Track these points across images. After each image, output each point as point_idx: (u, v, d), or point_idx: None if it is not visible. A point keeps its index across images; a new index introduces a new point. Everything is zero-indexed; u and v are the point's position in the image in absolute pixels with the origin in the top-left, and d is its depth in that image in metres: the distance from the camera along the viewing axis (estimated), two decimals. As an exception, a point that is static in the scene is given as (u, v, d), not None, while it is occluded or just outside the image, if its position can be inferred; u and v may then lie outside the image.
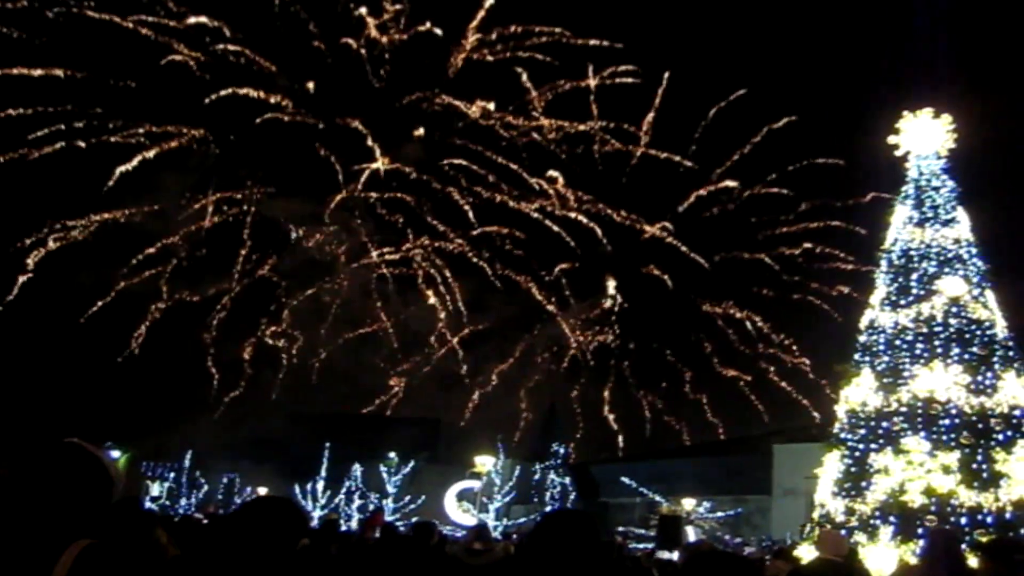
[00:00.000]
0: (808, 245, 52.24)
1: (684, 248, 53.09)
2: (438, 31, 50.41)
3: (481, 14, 50.88)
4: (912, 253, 18.58)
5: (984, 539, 13.08)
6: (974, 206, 19.49)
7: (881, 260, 19.24)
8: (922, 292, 18.04)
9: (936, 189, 19.05)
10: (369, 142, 51.39)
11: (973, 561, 8.71)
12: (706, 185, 52.77)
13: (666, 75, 52.21)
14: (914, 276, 18.31)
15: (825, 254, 52.13)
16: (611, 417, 54.02)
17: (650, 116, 52.53)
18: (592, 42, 51.25)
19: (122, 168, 47.74)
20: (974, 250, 18.47)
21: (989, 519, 15.28)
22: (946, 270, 18.08)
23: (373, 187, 52.36)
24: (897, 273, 18.65)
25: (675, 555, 14.97)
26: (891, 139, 19.58)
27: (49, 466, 2.75)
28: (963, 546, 12.34)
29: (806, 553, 15.70)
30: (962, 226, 18.70)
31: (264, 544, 2.97)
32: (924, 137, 19.43)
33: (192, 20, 47.58)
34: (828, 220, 52.46)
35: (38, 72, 45.37)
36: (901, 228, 19.04)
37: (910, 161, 19.57)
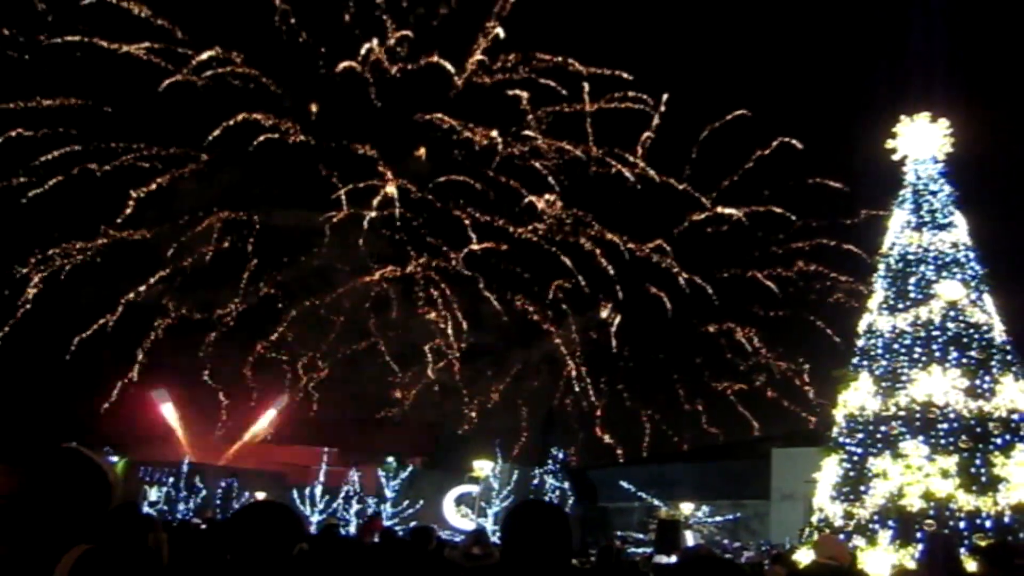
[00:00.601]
0: (801, 263, 52.70)
1: (677, 268, 53.53)
2: (446, 64, 50.99)
3: (484, 42, 51.47)
4: (910, 257, 18.59)
5: (983, 543, 13.08)
6: (971, 210, 19.53)
7: (879, 264, 19.25)
8: (920, 296, 18.04)
9: (934, 193, 19.07)
10: (380, 167, 51.95)
11: (971, 565, 8.71)
12: (702, 211, 53.25)
13: (664, 97, 52.70)
14: (912, 280, 18.32)
15: (820, 273, 52.59)
16: (606, 436, 54.44)
17: (645, 137, 53.00)
18: (593, 69, 51.77)
19: (135, 192, 48.32)
20: (972, 254, 18.47)
21: (988, 523, 15.26)
22: (944, 274, 18.09)
23: (378, 206, 52.86)
24: (895, 277, 18.65)
25: (673, 559, 14.97)
26: (889, 143, 19.60)
27: (48, 471, 2.75)
28: (962, 550, 12.37)
29: (805, 557, 15.72)
30: (960, 230, 18.71)
31: (259, 549, 2.97)
32: (921, 141, 19.45)
33: (206, 55, 48.10)
34: (826, 238, 52.94)
35: (55, 102, 45.90)
36: (899, 232, 19.05)
37: (907, 165, 19.58)
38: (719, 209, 54.10)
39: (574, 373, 56.32)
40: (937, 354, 17.29)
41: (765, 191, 54.09)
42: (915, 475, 16.13)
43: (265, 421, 53.27)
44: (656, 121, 53.17)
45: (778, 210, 53.91)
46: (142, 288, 50.07)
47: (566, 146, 54.20)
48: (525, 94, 53.06)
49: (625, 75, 53.06)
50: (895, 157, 19.63)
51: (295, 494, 40.78)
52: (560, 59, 52.37)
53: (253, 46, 52.73)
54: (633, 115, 53.68)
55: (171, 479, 44.59)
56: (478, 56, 52.23)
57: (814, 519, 18.18)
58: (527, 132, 53.86)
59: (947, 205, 18.94)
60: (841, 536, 15.55)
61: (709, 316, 56.19)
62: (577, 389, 56.23)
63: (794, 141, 52.83)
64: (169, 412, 51.61)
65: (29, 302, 48.53)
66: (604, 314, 55.21)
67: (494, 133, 53.63)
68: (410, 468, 44.53)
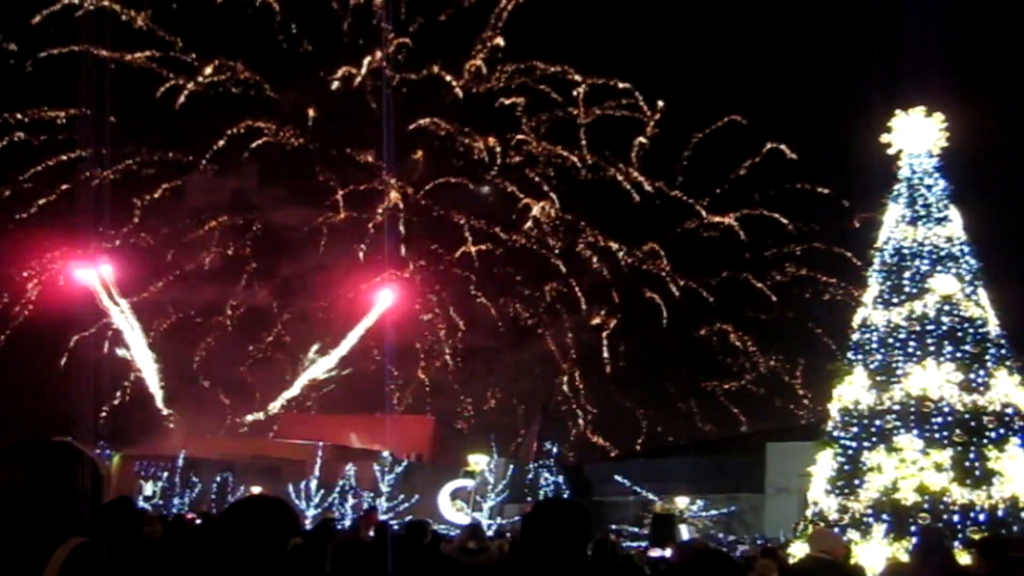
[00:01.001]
0: (793, 268, 53.21)
1: (670, 273, 53.99)
2: (446, 76, 51.47)
3: (483, 51, 52.05)
4: (904, 251, 18.60)
5: (977, 537, 13.12)
6: (967, 204, 19.54)
7: (874, 258, 19.26)
8: (915, 290, 18.07)
9: (928, 188, 19.05)
10: (385, 175, 52.52)
11: (965, 559, 8.73)
12: (695, 218, 53.76)
13: (660, 104, 53.14)
14: (907, 274, 18.33)
15: (812, 278, 53.17)
16: (599, 439, 54.88)
17: (639, 143, 53.49)
18: (592, 80, 52.33)
19: (139, 201, 48.71)
20: (966, 248, 18.49)
21: (982, 517, 15.32)
22: (939, 268, 18.11)
23: (381, 213, 53.35)
24: (890, 271, 18.66)
25: (667, 552, 14.99)
26: (884, 138, 19.58)
27: (39, 465, 2.74)
28: (955, 544, 12.39)
29: (799, 551, 15.76)
30: (954, 224, 18.72)
31: (253, 543, 2.96)
32: (916, 136, 19.42)
33: (209, 69, 48.31)
34: (818, 242, 53.42)
35: (62, 113, 46.36)
36: (894, 227, 19.06)
37: (903, 160, 19.57)
38: (712, 217, 54.69)
39: (566, 379, 56.88)
40: (932, 348, 17.32)
41: (756, 195, 54.47)
42: (909, 469, 16.17)
43: (366, 324, 52.02)
44: (651, 128, 53.78)
45: (771, 214, 54.48)
46: (144, 294, 50.40)
47: (561, 151, 54.75)
48: (522, 100, 53.71)
49: (621, 84, 53.69)
50: (890, 152, 19.61)
51: (291, 488, 40.78)
52: (558, 68, 53.00)
53: (253, 53, 53.06)
54: (628, 122, 54.32)
55: (166, 474, 44.54)
56: (477, 63, 52.83)
57: (808, 513, 18.22)
58: (523, 137, 54.49)
59: (942, 199, 18.94)
60: (836, 530, 15.59)
61: (703, 319, 56.54)
62: (567, 390, 56.70)
63: (784, 147, 53.41)
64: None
65: (31, 303, 48.97)
66: (596, 321, 55.60)
67: (492, 141, 54.25)
68: (405, 462, 44.56)
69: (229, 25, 52.22)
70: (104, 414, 49.39)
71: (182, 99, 50.28)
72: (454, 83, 53.19)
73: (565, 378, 56.61)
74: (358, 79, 52.00)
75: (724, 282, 56.02)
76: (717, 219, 54.59)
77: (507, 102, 54.06)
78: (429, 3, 53.37)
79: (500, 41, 52.66)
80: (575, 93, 54.26)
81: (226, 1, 50.84)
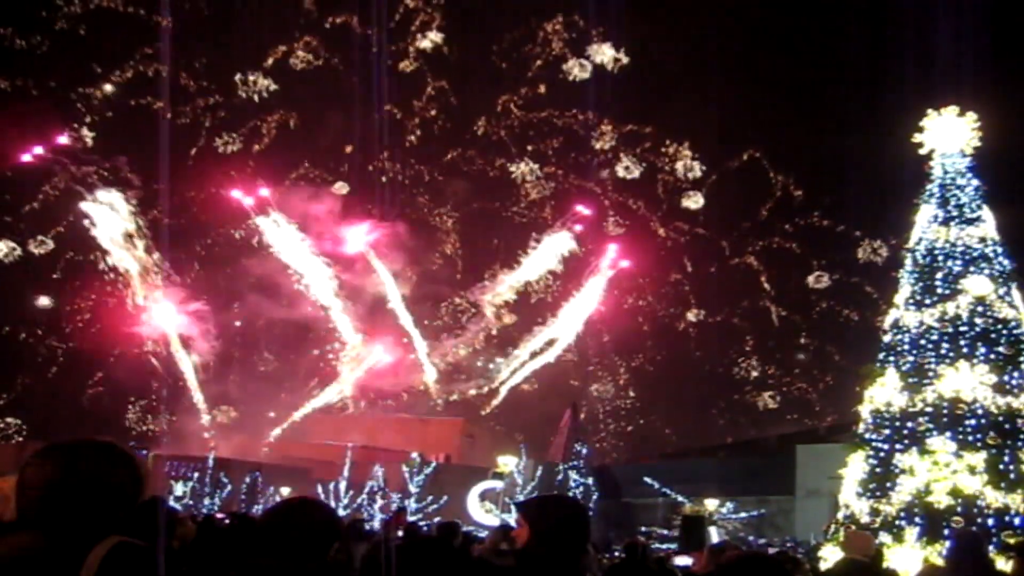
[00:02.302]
0: (815, 301, 54.08)
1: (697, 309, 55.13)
2: (481, 122, 53.15)
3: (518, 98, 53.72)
4: (937, 252, 18.46)
5: (1013, 540, 13.00)
6: (1000, 204, 19.37)
7: (906, 259, 19.13)
8: (947, 291, 17.92)
9: (961, 188, 18.90)
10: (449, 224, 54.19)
11: (1000, 563, 8.66)
12: (719, 260, 54.99)
13: (686, 144, 54.28)
14: (939, 275, 18.19)
15: (833, 309, 53.94)
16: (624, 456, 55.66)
17: (665, 183, 54.62)
18: (622, 128, 53.97)
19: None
20: (1000, 249, 18.34)
21: (1016, 520, 15.17)
22: (971, 269, 17.96)
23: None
24: (922, 272, 18.53)
25: (690, 560, 14.84)
26: (916, 137, 19.42)
27: (83, 463, 2.78)
28: (990, 547, 12.28)
29: (831, 554, 15.70)
30: (987, 225, 18.56)
31: (300, 547, 2.99)
32: (949, 135, 19.24)
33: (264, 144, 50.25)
34: (841, 273, 54.01)
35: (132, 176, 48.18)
36: (926, 227, 18.91)
37: (934, 160, 19.40)
38: (735, 259, 55.90)
39: (594, 393, 57.68)
40: (964, 350, 17.18)
41: (778, 230, 55.37)
42: (942, 472, 16.04)
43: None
44: (677, 169, 55.03)
45: (794, 248, 55.37)
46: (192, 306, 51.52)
47: (586, 183, 56.23)
48: (556, 143, 55.50)
49: (647, 129, 55.13)
50: (922, 151, 19.44)
51: (320, 489, 40.96)
52: (590, 116, 54.64)
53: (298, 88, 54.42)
54: (654, 166, 55.77)
55: (196, 474, 44.92)
56: (506, 101, 54.58)
57: (840, 515, 18.12)
58: (550, 171, 56.28)
59: (975, 200, 18.78)
60: (866, 532, 15.49)
61: (726, 346, 57.51)
62: (596, 395, 57.34)
63: (791, 185, 54.58)
64: None
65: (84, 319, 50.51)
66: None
67: (525, 169, 55.89)
68: (434, 463, 44.65)
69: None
70: (160, 422, 50.77)
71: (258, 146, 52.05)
72: (489, 124, 55.12)
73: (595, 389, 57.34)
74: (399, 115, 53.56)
75: (747, 311, 57.00)
76: (739, 260, 55.90)
77: (541, 146, 55.94)
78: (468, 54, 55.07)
79: (542, 88, 54.55)
80: (601, 133, 55.73)
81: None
